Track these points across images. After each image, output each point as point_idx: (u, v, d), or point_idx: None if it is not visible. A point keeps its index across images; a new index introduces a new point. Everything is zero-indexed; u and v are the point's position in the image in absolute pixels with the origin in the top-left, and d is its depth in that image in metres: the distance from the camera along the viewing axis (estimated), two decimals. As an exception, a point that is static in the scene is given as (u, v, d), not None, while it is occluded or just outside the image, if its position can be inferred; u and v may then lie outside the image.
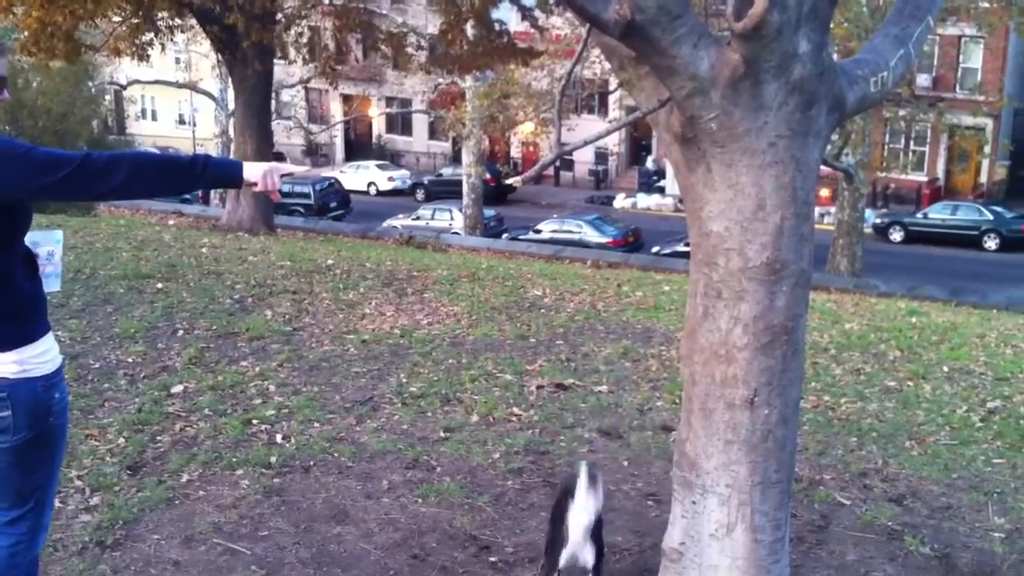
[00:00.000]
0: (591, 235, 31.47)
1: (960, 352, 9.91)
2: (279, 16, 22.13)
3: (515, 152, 46.16)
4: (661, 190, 42.26)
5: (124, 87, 41.59)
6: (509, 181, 6.64)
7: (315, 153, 51.46)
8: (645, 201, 41.77)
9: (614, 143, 45.82)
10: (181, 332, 9.11)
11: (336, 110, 50.88)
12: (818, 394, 8.33)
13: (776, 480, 4.30)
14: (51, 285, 4.20)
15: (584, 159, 45.29)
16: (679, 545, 4.47)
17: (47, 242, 4.23)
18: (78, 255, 11.84)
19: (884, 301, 14.91)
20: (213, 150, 36.69)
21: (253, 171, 3.69)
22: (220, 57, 25.55)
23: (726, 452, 4.26)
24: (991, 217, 33.40)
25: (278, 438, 6.86)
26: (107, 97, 41.63)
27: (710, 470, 4.32)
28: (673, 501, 4.56)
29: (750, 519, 4.29)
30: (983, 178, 39.17)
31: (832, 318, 11.54)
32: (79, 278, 10.61)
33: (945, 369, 9.26)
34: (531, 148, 43.60)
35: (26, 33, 18.95)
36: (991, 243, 32.94)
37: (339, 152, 53.09)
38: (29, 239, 3.91)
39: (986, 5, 23.30)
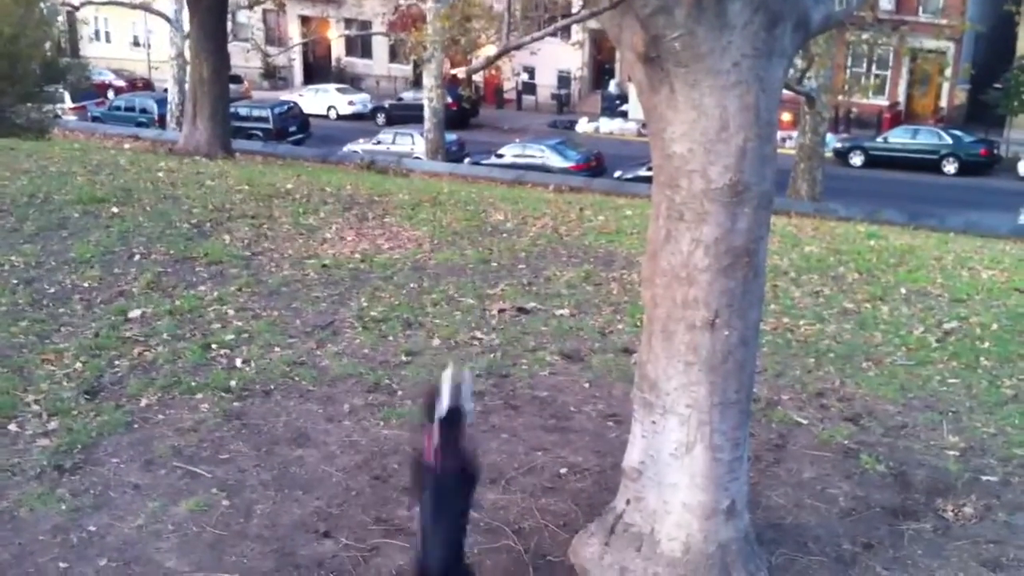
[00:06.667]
0: (553, 160, 31.25)
1: (918, 274, 10.01)
2: (234, -67, 21.59)
3: (476, 75, 45.59)
4: (624, 114, 41.90)
5: (77, 8, 40.31)
6: (453, 71, 6.49)
7: (273, 76, 50.57)
8: (608, 125, 41.47)
9: (577, 67, 45.31)
10: (138, 257, 8.99)
11: (294, 32, 49.80)
12: (777, 316, 8.40)
13: (735, 400, 4.34)
14: None
15: (547, 83, 44.84)
16: (639, 464, 4.52)
17: None
18: (32, 179, 11.61)
19: (844, 225, 15.01)
20: (169, 72, 35.86)
21: None
22: (174, -24, 24.94)
23: (686, 373, 4.29)
24: (950, 141, 33.55)
25: (238, 362, 6.82)
26: (59, 19, 40.41)
27: (670, 391, 4.35)
28: (633, 422, 4.60)
29: (709, 438, 4.33)
30: (944, 102, 39.22)
31: (792, 241, 11.60)
32: (33, 203, 10.42)
33: (903, 291, 9.36)
34: (493, 72, 43.08)
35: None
36: (950, 167, 33.12)
37: (298, 75, 52.17)
38: None
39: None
